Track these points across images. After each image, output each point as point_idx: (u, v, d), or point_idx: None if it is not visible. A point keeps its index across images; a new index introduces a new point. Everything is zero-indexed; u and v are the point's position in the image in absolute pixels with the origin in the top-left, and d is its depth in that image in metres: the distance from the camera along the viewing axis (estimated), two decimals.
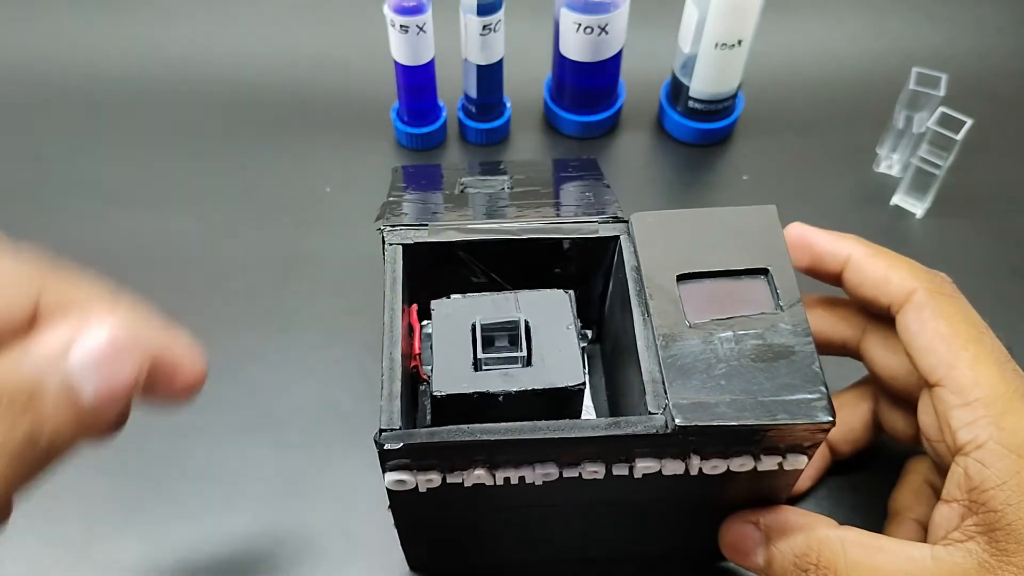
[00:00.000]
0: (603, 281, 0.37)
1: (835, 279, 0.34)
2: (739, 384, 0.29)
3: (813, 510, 0.39)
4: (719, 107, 0.53)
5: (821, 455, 0.39)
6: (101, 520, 0.39)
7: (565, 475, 0.30)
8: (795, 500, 0.39)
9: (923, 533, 0.35)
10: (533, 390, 0.30)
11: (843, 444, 0.38)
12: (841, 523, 0.32)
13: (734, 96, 0.53)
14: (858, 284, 0.33)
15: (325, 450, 0.41)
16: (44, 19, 0.60)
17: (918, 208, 0.51)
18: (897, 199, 0.51)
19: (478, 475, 0.29)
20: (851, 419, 0.38)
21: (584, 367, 0.32)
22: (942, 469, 0.34)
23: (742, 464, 0.30)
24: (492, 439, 0.28)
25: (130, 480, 0.40)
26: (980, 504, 0.29)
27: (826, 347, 0.37)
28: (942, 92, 0.48)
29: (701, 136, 0.54)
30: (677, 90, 0.53)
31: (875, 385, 0.38)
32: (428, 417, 0.33)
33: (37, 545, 0.38)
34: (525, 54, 0.55)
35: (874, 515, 0.38)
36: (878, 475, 0.40)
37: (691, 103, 0.53)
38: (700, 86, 0.51)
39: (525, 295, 0.32)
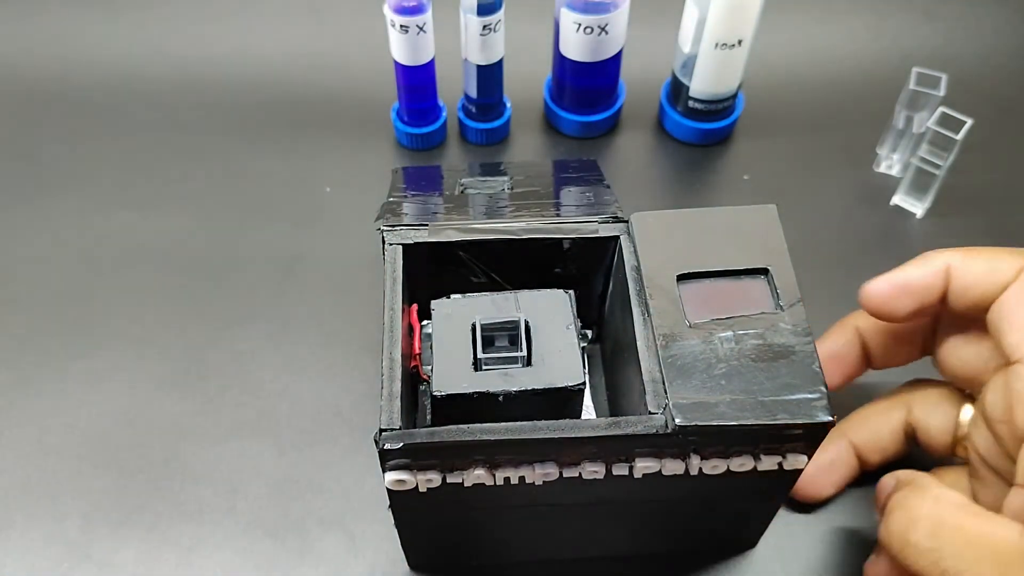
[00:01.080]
0: (603, 281, 0.37)
1: (941, 301, 0.34)
2: (739, 384, 0.29)
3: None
4: (719, 107, 0.53)
5: (848, 464, 0.38)
6: (101, 520, 0.39)
7: (565, 475, 0.30)
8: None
9: None
10: (533, 390, 0.30)
11: (872, 453, 0.38)
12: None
13: (734, 96, 0.53)
14: (966, 287, 0.33)
15: (325, 450, 0.41)
16: (42, 19, 0.60)
17: (918, 208, 0.51)
18: (897, 199, 0.51)
19: (478, 475, 0.29)
20: (881, 428, 0.37)
21: (584, 367, 0.32)
22: (981, 472, 0.34)
23: (742, 464, 0.30)
24: (492, 439, 0.28)
25: (130, 480, 0.40)
26: None
27: (906, 343, 0.37)
28: (942, 92, 0.48)
29: (701, 136, 0.54)
30: (677, 90, 0.53)
31: (908, 395, 0.37)
32: (428, 417, 0.33)
33: (37, 545, 0.38)
34: (525, 54, 0.55)
35: None
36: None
37: (691, 103, 0.53)
38: (700, 86, 0.51)
39: (525, 295, 0.32)
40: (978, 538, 0.29)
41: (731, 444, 0.29)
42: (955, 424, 0.35)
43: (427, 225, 0.34)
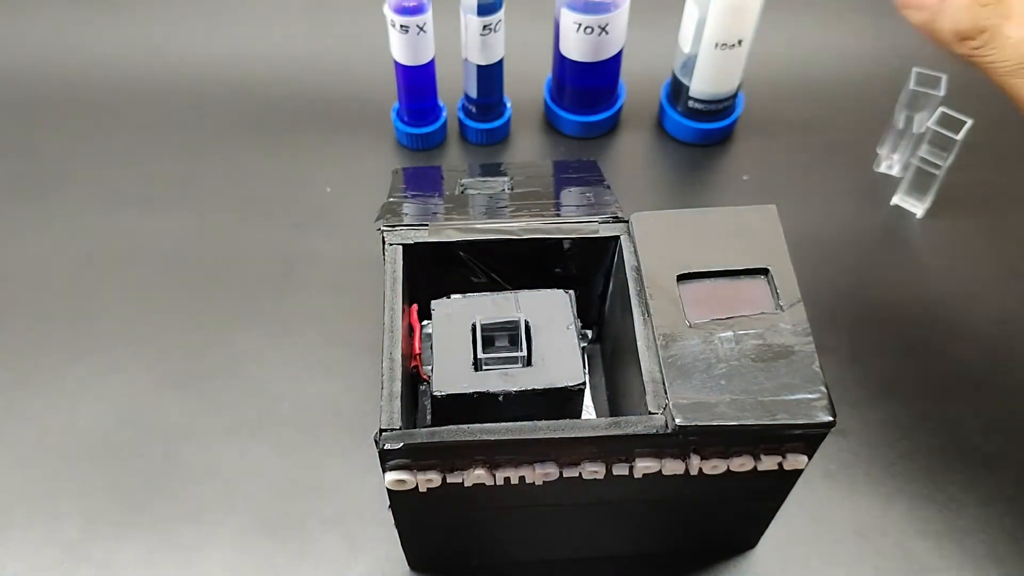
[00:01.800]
0: (603, 281, 0.37)
1: None
2: (739, 384, 0.29)
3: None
4: (719, 107, 0.53)
5: None
6: (101, 520, 0.39)
7: (565, 475, 0.30)
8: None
9: None
10: (533, 390, 0.30)
11: None
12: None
13: (734, 96, 0.53)
14: None
15: (325, 450, 0.41)
16: (43, 19, 0.60)
17: (918, 208, 0.51)
18: (897, 199, 0.51)
19: (478, 475, 0.29)
20: None
21: (584, 367, 0.32)
22: None
23: (742, 464, 0.30)
24: (492, 439, 0.28)
25: (130, 480, 0.40)
26: None
27: None
28: (942, 92, 0.48)
29: (701, 136, 0.54)
30: (677, 90, 0.53)
31: None
32: (428, 417, 0.33)
33: (37, 545, 0.38)
34: (525, 54, 0.55)
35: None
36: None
37: (691, 103, 0.53)
38: (700, 86, 0.51)
39: (525, 295, 0.32)
40: None
41: (731, 444, 0.29)
42: None
43: (427, 225, 0.34)
